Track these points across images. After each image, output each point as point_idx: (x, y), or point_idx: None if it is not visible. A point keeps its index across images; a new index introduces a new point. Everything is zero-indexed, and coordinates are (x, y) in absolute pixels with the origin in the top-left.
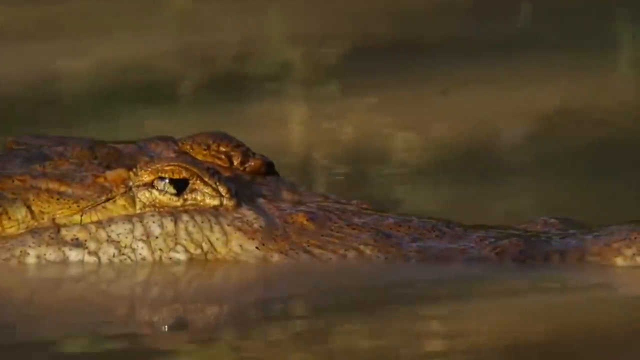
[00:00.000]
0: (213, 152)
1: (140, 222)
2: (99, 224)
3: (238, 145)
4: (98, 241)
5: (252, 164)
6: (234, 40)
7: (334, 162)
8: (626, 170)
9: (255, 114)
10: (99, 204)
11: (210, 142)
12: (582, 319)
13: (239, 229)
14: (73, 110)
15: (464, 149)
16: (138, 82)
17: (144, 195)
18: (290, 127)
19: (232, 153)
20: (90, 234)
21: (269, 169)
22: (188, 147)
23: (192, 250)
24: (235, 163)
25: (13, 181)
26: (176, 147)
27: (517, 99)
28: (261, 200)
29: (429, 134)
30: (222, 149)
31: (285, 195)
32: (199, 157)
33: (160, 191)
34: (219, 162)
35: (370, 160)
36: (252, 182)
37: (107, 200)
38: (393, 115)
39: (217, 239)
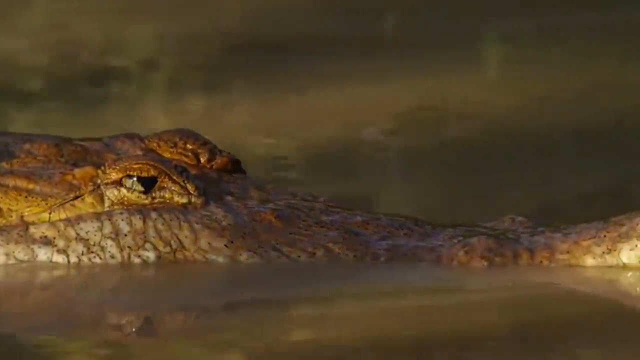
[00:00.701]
0: (180, 150)
1: (109, 219)
2: (68, 221)
3: (205, 142)
4: (67, 239)
5: (219, 161)
6: (99, 39)
7: None
8: (486, 166)
9: (118, 112)
10: (67, 202)
11: (177, 139)
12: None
13: (208, 227)
14: None
15: (325, 147)
16: (0, 79)
17: (112, 193)
18: (152, 126)
19: (199, 151)
20: (59, 231)
21: (235, 166)
22: (155, 144)
23: (161, 248)
24: (202, 161)
25: None
26: (143, 145)
27: (378, 96)
28: (229, 198)
29: (290, 133)
30: (189, 146)
31: (253, 193)
32: (166, 155)
33: (128, 189)
34: (186, 160)
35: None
36: (219, 180)
37: (76, 198)
38: (254, 114)
39: (186, 237)
